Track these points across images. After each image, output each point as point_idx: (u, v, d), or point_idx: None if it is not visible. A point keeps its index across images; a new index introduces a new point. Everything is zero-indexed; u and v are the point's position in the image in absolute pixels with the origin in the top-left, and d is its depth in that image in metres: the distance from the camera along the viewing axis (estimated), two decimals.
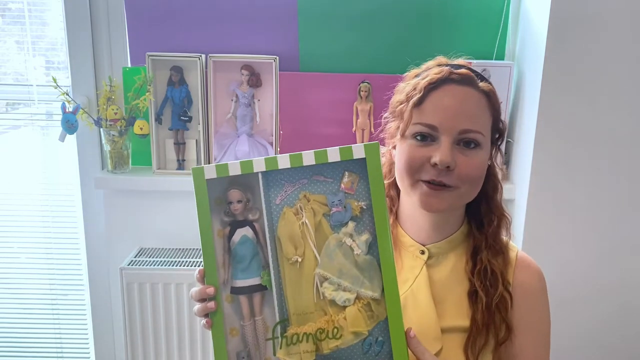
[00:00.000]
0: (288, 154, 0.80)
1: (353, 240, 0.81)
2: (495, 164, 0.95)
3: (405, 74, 0.97)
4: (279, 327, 0.81)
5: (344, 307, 0.80)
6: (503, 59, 1.77)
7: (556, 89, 1.53)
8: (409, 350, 0.79)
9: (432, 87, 0.86)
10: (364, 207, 0.81)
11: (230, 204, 0.83)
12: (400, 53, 1.74)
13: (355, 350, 0.80)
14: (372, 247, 0.81)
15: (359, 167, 0.80)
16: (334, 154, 0.79)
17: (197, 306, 0.82)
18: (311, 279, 0.81)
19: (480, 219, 0.96)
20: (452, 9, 1.73)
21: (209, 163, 1.74)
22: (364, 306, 0.80)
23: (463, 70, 0.87)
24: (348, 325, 0.79)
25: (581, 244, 1.64)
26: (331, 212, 0.81)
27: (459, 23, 1.73)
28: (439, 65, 0.92)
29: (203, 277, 0.81)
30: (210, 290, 0.80)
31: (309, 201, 0.82)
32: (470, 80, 0.87)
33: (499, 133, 0.93)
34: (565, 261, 1.64)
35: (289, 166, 0.80)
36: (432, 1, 1.72)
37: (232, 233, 0.83)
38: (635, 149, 1.57)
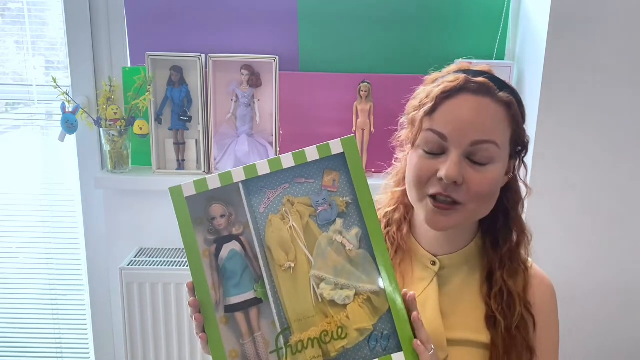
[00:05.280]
0: (266, 159, 0.79)
1: (343, 237, 0.79)
2: (519, 177, 0.89)
3: (425, 77, 0.92)
4: (281, 338, 0.78)
5: (345, 306, 0.78)
6: (503, 59, 1.77)
7: (556, 89, 1.53)
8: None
9: (446, 96, 0.81)
10: (349, 202, 0.80)
11: (213, 219, 0.81)
12: (400, 53, 1.75)
13: (362, 349, 0.78)
14: (363, 240, 0.79)
15: (339, 163, 0.79)
16: (312, 153, 0.78)
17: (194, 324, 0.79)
18: (307, 282, 0.79)
19: (495, 236, 0.91)
20: (453, 9, 1.73)
21: (209, 163, 1.74)
22: (364, 301, 0.78)
23: (481, 79, 0.82)
24: (352, 322, 0.78)
25: (581, 244, 1.63)
26: (317, 212, 0.80)
27: (459, 23, 1.73)
28: (458, 71, 0.86)
29: (193, 291, 0.79)
30: (191, 301, 0.77)
31: (293, 205, 0.80)
32: (487, 89, 0.81)
33: (522, 145, 0.87)
34: (565, 261, 1.64)
35: (268, 171, 0.78)
36: (432, 1, 1.72)
37: (218, 250, 0.81)
38: (635, 149, 1.57)
